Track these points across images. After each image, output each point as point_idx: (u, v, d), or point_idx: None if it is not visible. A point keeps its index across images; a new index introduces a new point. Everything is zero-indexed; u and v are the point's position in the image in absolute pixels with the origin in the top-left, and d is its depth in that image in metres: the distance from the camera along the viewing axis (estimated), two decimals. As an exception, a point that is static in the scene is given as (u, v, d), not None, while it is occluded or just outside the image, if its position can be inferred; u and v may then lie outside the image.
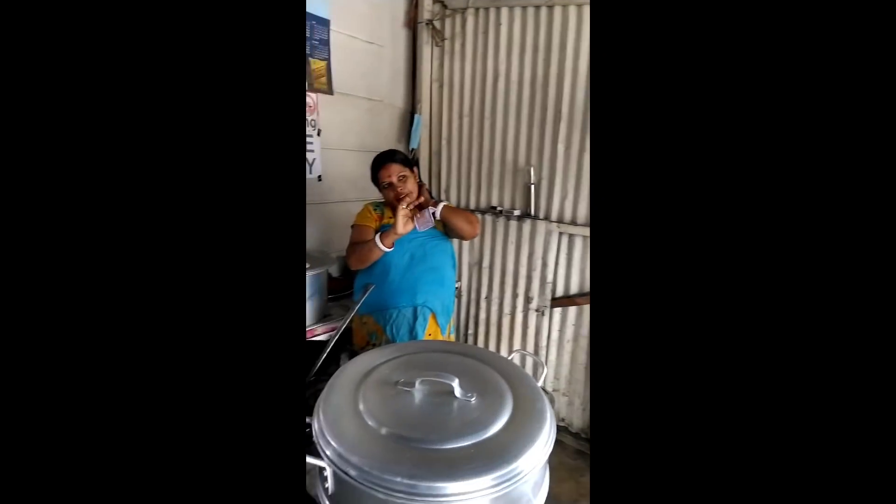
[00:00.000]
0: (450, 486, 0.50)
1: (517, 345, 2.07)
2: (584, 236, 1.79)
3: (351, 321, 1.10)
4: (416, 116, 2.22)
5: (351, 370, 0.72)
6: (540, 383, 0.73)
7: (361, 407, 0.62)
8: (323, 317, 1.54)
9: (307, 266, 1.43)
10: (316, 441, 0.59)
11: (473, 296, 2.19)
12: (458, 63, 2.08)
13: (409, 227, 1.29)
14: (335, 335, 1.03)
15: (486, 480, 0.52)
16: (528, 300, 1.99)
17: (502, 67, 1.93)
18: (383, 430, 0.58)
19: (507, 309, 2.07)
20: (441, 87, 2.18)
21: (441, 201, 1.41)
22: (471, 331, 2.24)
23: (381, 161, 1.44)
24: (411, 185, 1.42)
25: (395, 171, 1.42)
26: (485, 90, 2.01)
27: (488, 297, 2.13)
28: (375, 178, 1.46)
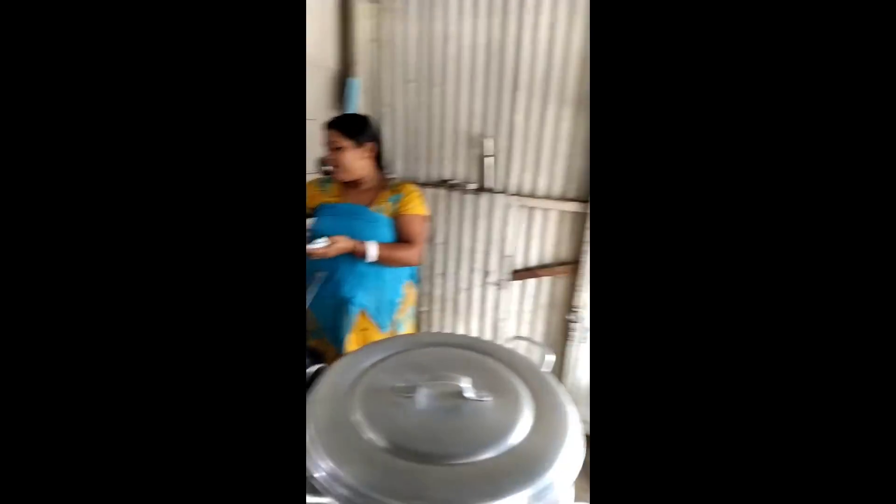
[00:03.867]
0: (488, 512, 0.43)
1: (475, 320, 2.04)
2: (545, 209, 1.78)
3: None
4: (350, 80, 2.01)
5: (334, 381, 0.61)
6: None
7: (360, 421, 0.52)
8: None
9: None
10: (309, 473, 0.48)
11: (427, 272, 2.10)
12: (400, 22, 1.90)
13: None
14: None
15: (522, 497, 0.45)
16: (485, 274, 1.96)
17: (452, 29, 1.79)
18: (389, 448, 0.48)
19: (463, 284, 2.02)
20: (380, 47, 1.99)
21: (370, 249, 1.19)
22: (424, 308, 2.17)
23: (329, 126, 1.26)
24: (350, 160, 1.22)
25: (330, 140, 1.24)
26: (433, 54, 1.86)
27: (444, 274, 2.06)
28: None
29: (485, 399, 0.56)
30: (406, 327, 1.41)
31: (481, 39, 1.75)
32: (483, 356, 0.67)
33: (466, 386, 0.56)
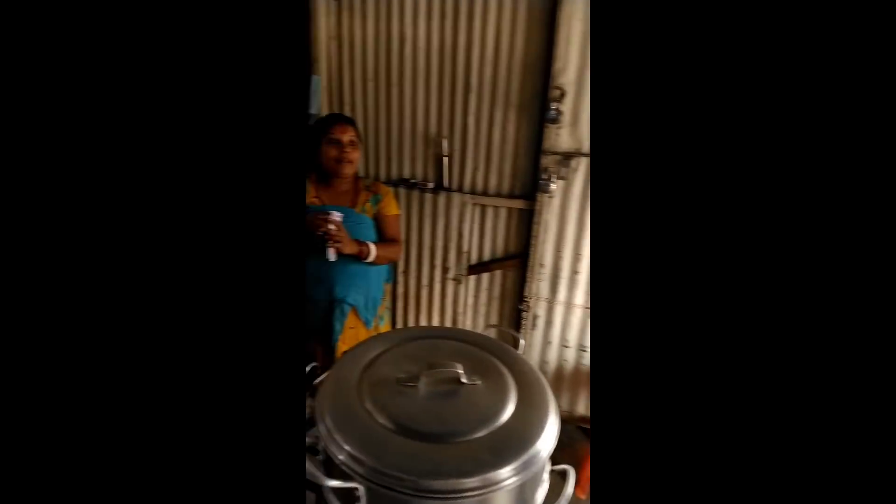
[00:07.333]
0: (474, 481, 0.51)
1: (436, 314, 2.13)
2: (495, 206, 1.90)
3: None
4: (313, 77, 1.99)
5: (341, 376, 0.66)
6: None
7: (372, 409, 0.59)
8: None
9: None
10: (334, 456, 0.54)
11: (392, 270, 2.15)
12: (359, 22, 1.91)
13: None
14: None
15: (518, 464, 0.54)
16: (445, 270, 2.04)
17: (408, 32, 1.84)
18: (401, 431, 0.56)
19: (425, 281, 2.09)
20: (340, 45, 1.99)
21: (371, 248, 1.27)
22: (388, 306, 2.21)
23: (337, 119, 1.33)
24: (356, 156, 1.32)
25: (349, 134, 1.30)
26: (390, 54, 1.90)
27: (406, 271, 2.12)
28: (324, 131, 1.30)
29: (476, 383, 0.65)
30: (385, 323, 1.49)
31: (435, 43, 1.82)
32: (467, 345, 0.75)
33: (461, 372, 0.64)
